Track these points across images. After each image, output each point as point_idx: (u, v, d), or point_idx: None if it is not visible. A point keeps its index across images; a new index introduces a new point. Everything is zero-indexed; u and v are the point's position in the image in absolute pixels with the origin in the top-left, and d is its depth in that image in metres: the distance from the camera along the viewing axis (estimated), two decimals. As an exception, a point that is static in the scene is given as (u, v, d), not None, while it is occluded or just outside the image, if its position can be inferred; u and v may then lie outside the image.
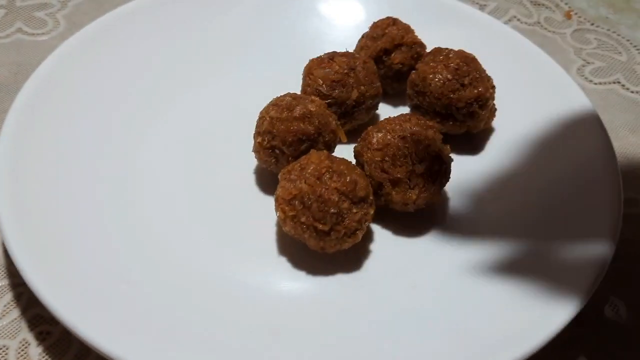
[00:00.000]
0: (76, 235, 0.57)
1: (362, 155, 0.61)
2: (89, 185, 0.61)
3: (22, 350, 0.54)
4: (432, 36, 0.72)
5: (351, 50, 0.71)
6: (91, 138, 0.65)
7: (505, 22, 0.89)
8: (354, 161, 0.61)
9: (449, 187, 0.64)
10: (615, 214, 0.59)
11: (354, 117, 0.67)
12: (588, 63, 0.84)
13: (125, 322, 0.51)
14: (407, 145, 0.59)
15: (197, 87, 0.73)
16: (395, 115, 0.62)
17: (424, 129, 0.60)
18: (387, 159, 0.59)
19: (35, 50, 0.80)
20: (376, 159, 0.59)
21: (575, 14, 0.91)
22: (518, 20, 0.90)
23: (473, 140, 0.69)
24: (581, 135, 0.67)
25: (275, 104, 0.62)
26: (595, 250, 0.57)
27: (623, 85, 0.81)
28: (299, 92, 0.67)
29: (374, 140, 0.60)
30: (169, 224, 0.61)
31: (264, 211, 0.62)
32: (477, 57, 0.68)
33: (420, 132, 0.60)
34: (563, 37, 0.88)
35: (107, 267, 0.55)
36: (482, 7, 0.91)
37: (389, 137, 0.60)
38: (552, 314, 0.53)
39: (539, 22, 0.90)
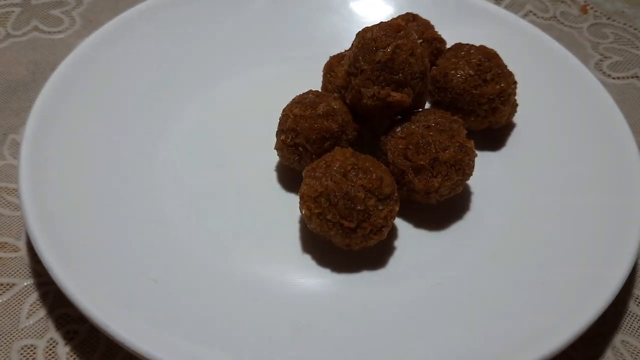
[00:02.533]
0: (102, 233, 0.57)
1: (385, 144, 0.61)
2: (113, 182, 0.61)
3: (50, 349, 0.54)
4: (451, 32, 0.72)
5: (371, 46, 0.71)
6: (113, 136, 0.65)
7: (521, 17, 0.88)
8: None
9: (471, 183, 0.64)
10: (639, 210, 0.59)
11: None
12: (605, 57, 0.84)
13: (152, 319, 0.51)
14: (431, 133, 0.59)
15: (218, 85, 0.73)
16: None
17: (449, 122, 0.60)
18: (410, 146, 0.59)
19: (52, 48, 0.80)
20: (399, 146, 0.60)
21: (591, 8, 0.91)
22: (534, 15, 0.90)
23: (494, 136, 0.69)
24: (602, 130, 0.67)
25: (299, 101, 0.62)
26: (621, 246, 0.57)
27: (641, 80, 0.81)
28: (320, 89, 0.67)
29: (398, 129, 0.61)
30: (193, 222, 0.61)
31: (287, 209, 0.62)
32: (498, 51, 0.67)
33: (444, 123, 0.60)
34: (579, 31, 0.88)
35: (133, 265, 0.55)
36: (497, 2, 0.90)
37: (413, 126, 0.60)
38: (579, 312, 0.53)
39: (555, 17, 0.90)
